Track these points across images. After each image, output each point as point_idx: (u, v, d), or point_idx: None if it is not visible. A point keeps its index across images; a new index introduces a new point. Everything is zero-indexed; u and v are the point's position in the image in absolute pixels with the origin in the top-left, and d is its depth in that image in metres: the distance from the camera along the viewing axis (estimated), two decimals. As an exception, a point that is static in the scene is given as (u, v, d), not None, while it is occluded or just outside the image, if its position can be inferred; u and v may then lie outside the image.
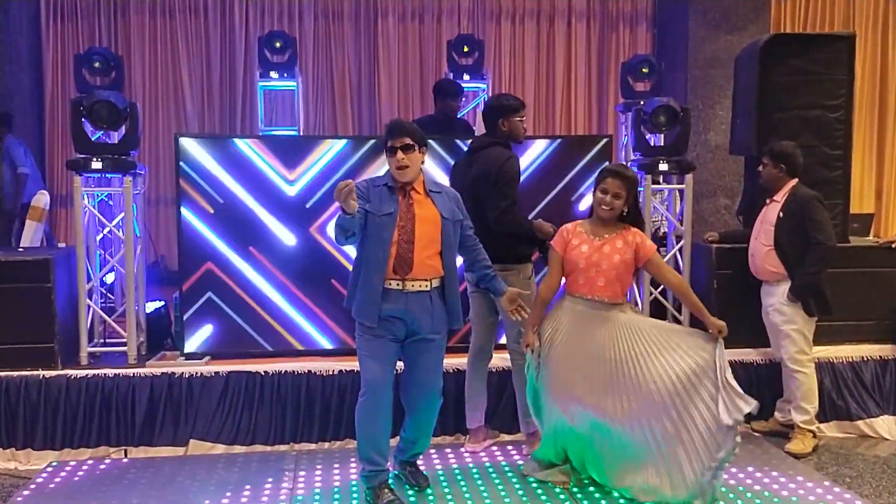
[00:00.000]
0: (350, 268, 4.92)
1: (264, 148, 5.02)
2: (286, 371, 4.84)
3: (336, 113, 8.66)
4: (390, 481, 3.95)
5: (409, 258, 3.76)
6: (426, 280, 3.81)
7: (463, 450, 4.69)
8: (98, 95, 5.10)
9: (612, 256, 3.93)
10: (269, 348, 5.04)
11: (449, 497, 4.02)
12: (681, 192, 5.72)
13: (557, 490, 4.09)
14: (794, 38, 5.37)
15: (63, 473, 4.40)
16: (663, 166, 5.51)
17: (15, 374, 4.69)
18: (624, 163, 4.15)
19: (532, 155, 5.20)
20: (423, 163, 3.89)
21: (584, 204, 5.22)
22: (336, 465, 4.47)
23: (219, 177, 4.96)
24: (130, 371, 4.80)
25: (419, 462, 4.28)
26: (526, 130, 4.59)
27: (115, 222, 5.33)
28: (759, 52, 5.32)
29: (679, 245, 5.58)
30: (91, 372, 4.77)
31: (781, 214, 4.72)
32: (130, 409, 4.74)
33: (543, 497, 4.02)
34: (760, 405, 5.02)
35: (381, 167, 5.03)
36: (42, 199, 5.74)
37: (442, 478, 4.27)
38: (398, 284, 3.77)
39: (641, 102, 6.00)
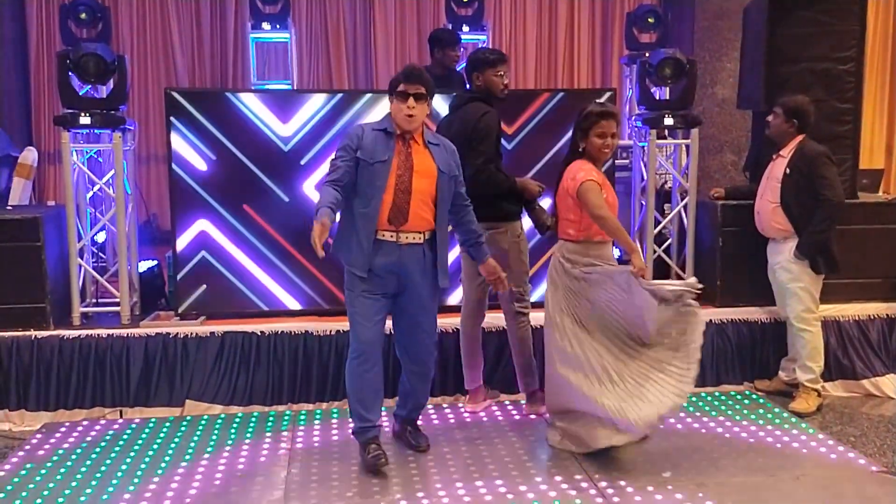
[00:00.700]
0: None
1: (257, 102, 4.88)
2: (283, 331, 4.77)
3: (331, 66, 8.47)
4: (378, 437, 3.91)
5: (405, 208, 3.69)
6: (420, 232, 3.74)
7: (462, 410, 4.64)
8: (85, 48, 4.94)
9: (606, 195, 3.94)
10: (264, 308, 4.97)
11: (449, 457, 3.97)
12: (686, 147, 5.60)
13: (560, 448, 4.05)
14: (805, -13, 5.20)
15: (58, 434, 4.36)
16: (668, 120, 5.38)
17: (6, 334, 4.62)
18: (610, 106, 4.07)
19: (533, 109, 5.05)
20: (428, 115, 3.83)
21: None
22: (335, 424, 4.43)
23: (211, 132, 4.83)
24: (124, 331, 4.72)
25: (419, 422, 4.22)
26: (507, 86, 4.36)
27: (105, 179, 5.21)
28: (768, 2, 5.16)
29: (684, 202, 5.48)
30: (84, 332, 4.69)
31: (788, 171, 4.61)
32: (125, 370, 4.68)
33: (544, 457, 3.97)
34: (765, 364, 5.05)
35: (375, 120, 4.88)
36: (30, 155, 5.60)
37: (441, 438, 4.22)
38: (392, 236, 3.70)
39: (647, 54, 5.85)
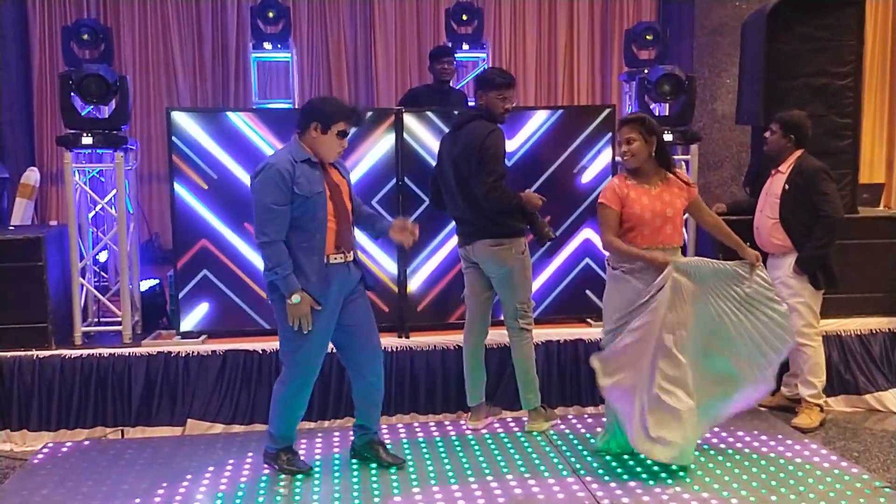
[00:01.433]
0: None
1: (258, 121, 4.90)
2: (284, 349, 4.76)
3: (332, 84, 8.52)
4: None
5: (350, 230, 3.82)
6: (354, 248, 3.87)
7: (464, 427, 4.63)
8: (87, 69, 4.98)
9: (674, 202, 3.94)
10: (266, 326, 4.96)
11: (450, 471, 3.96)
12: (686, 162, 5.61)
13: (556, 461, 4.06)
14: (802, 3, 5.21)
15: (59, 454, 4.35)
16: (668, 137, 5.36)
17: (8, 354, 4.63)
18: (640, 113, 4.07)
19: (533, 126, 5.07)
20: None
21: (587, 176, 5.12)
22: (336, 442, 4.42)
23: (212, 152, 4.84)
24: (126, 350, 4.73)
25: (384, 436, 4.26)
26: (507, 111, 4.33)
27: (107, 199, 5.23)
28: (766, 18, 5.18)
29: (685, 217, 5.47)
30: (86, 352, 4.70)
31: (787, 187, 4.62)
32: (127, 389, 4.68)
33: (542, 468, 3.96)
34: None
35: (377, 139, 4.92)
36: (32, 176, 5.62)
37: (441, 450, 4.22)
38: (342, 258, 3.77)
39: (646, 71, 5.88)
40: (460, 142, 4.31)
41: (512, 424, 4.67)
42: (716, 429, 4.55)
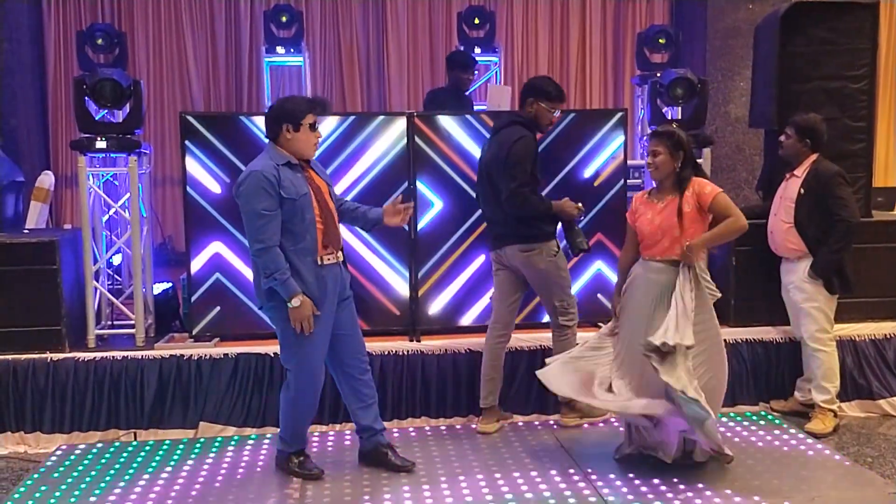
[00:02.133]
0: (360, 247, 4.91)
1: (271, 125, 4.91)
2: (296, 352, 4.77)
3: (344, 88, 8.55)
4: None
5: (336, 229, 3.85)
6: (342, 248, 3.93)
7: (474, 430, 4.62)
8: (101, 73, 5.01)
9: (673, 217, 3.88)
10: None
11: (460, 474, 3.96)
12: (698, 166, 5.57)
13: (566, 463, 4.07)
14: (816, 6, 5.19)
15: (72, 457, 4.38)
16: (680, 140, 5.36)
17: (23, 357, 4.65)
18: (670, 127, 4.05)
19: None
20: None
21: (600, 180, 5.10)
22: (347, 445, 4.42)
23: (225, 155, 4.86)
24: (139, 353, 4.74)
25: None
26: (551, 123, 4.47)
27: (120, 203, 5.26)
28: (780, 21, 5.16)
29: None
30: (99, 354, 4.72)
31: (802, 191, 4.59)
32: (139, 392, 4.69)
33: (552, 470, 3.96)
34: (780, 384, 5.01)
35: (389, 142, 4.92)
36: (46, 179, 5.66)
37: (452, 453, 4.22)
38: (333, 258, 3.82)
39: (658, 74, 5.87)
40: (493, 146, 4.39)
41: (521, 427, 4.67)
42: (728, 434, 4.53)
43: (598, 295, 5.15)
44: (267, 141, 3.84)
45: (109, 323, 5.25)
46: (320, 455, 4.29)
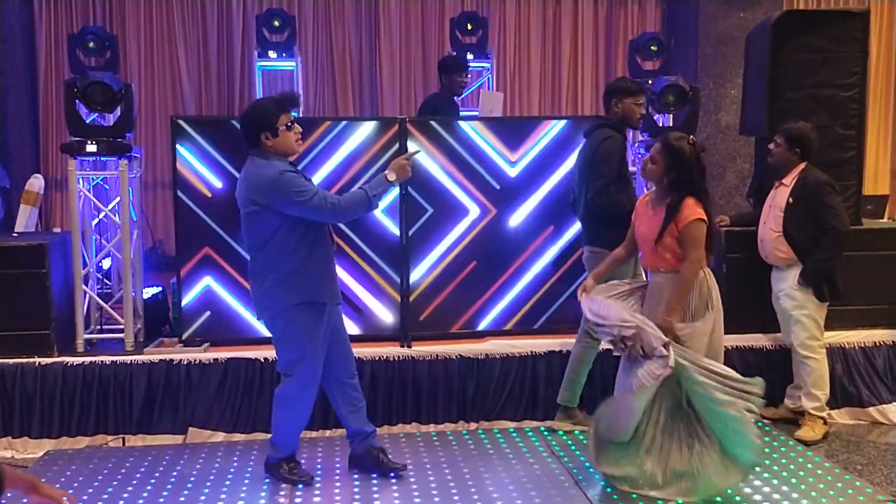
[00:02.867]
0: (351, 252, 4.89)
1: (262, 129, 4.89)
2: (286, 358, 4.75)
3: (336, 93, 8.53)
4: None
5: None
6: None
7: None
8: (92, 76, 4.99)
9: (655, 231, 3.83)
10: (268, 335, 4.92)
11: (451, 480, 3.94)
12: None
13: (557, 471, 4.03)
14: (807, 14, 5.25)
15: (60, 462, 4.34)
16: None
17: (10, 361, 4.62)
18: (679, 136, 3.96)
19: (537, 137, 5.07)
20: None
21: (591, 186, 5.11)
22: (337, 451, 4.40)
23: (216, 159, 4.85)
24: (128, 358, 4.72)
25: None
26: (643, 116, 4.59)
27: (110, 207, 5.24)
28: (771, 29, 5.18)
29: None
30: (88, 359, 4.69)
31: (791, 200, 4.61)
32: (128, 397, 4.67)
33: (543, 479, 3.95)
34: (770, 391, 5.00)
35: (382, 149, 4.92)
36: (36, 182, 5.63)
37: (443, 459, 4.20)
38: (334, 250, 3.91)
39: (650, 81, 5.87)
40: (583, 149, 4.52)
41: (512, 433, 4.66)
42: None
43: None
44: (254, 151, 3.76)
45: (98, 327, 5.21)
46: (310, 461, 4.27)
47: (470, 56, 7.42)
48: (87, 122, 5.12)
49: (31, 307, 4.65)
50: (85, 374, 4.64)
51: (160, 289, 5.60)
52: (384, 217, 4.93)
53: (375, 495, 3.86)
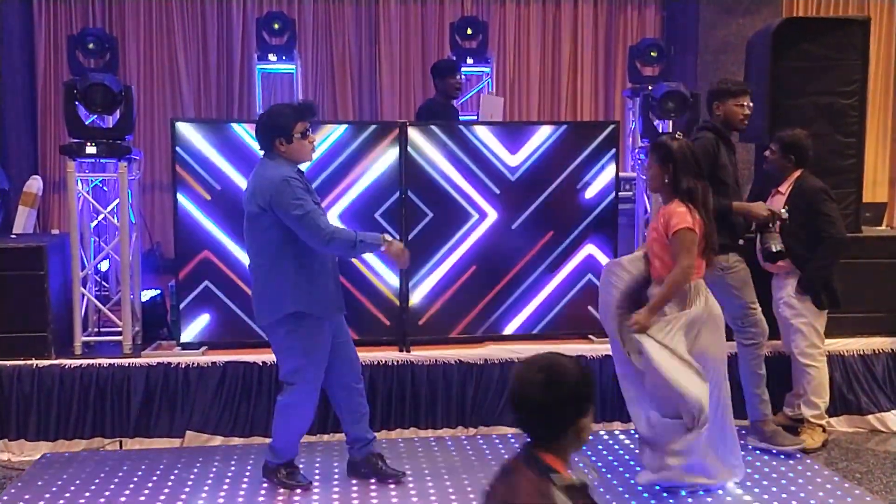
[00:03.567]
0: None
1: (262, 133, 4.89)
2: (285, 362, 4.74)
3: (336, 97, 8.53)
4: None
5: None
6: None
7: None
8: (92, 78, 4.96)
9: (652, 233, 3.90)
10: (266, 338, 4.93)
11: (449, 487, 3.93)
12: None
13: None
14: (807, 22, 5.25)
15: (57, 465, 4.33)
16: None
17: (8, 363, 4.60)
18: (663, 139, 3.98)
19: (537, 142, 5.07)
20: None
21: (591, 192, 5.11)
22: (336, 456, 4.39)
23: (216, 163, 4.84)
24: (126, 361, 4.70)
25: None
26: (747, 117, 4.44)
27: (109, 209, 5.22)
28: (771, 36, 5.18)
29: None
30: (85, 362, 4.67)
31: (786, 208, 4.60)
32: (126, 400, 4.65)
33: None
34: (770, 399, 5.01)
35: (381, 153, 4.91)
36: (35, 184, 5.62)
37: (441, 465, 4.18)
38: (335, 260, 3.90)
39: (650, 87, 5.88)
40: None
41: (511, 438, 4.65)
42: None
43: (589, 307, 5.14)
44: (267, 153, 3.77)
45: (96, 330, 5.19)
46: (308, 466, 4.25)
47: (470, 60, 7.44)
48: (87, 123, 5.11)
49: (28, 309, 4.64)
50: (82, 377, 4.63)
51: (158, 291, 5.58)
52: (383, 221, 4.92)
53: (374, 501, 3.84)
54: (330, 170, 4.90)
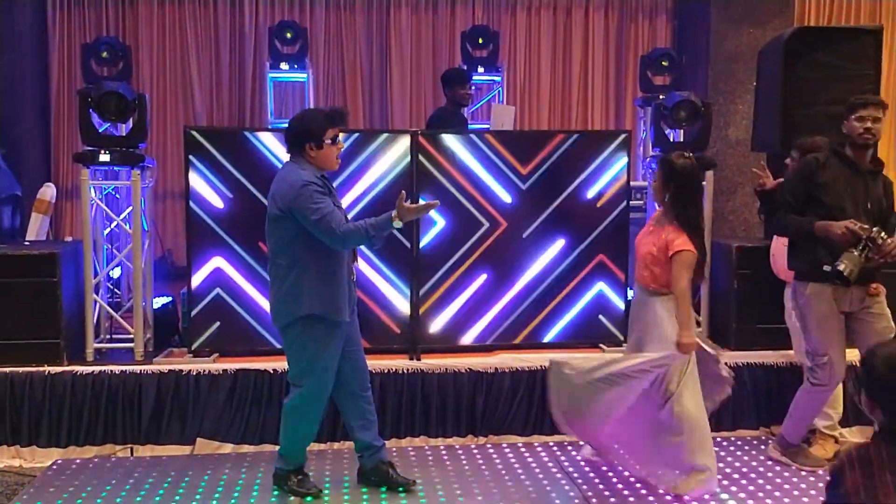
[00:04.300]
0: (361, 264, 4.89)
1: (274, 141, 4.90)
2: (295, 369, 4.74)
3: (347, 105, 8.54)
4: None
5: None
6: None
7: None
8: (106, 86, 5.02)
9: (648, 245, 3.95)
10: (277, 346, 4.93)
11: (460, 496, 3.92)
12: (700, 188, 5.57)
13: (567, 487, 4.00)
14: (819, 31, 5.24)
15: (68, 471, 4.34)
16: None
17: (20, 369, 4.62)
18: (677, 153, 3.97)
19: (548, 150, 5.07)
20: None
21: (602, 201, 5.10)
22: (345, 463, 4.38)
23: (228, 170, 4.86)
24: (137, 368, 4.72)
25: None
26: (868, 130, 4.06)
27: (122, 216, 5.25)
28: (783, 46, 5.18)
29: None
30: (97, 368, 4.69)
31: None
32: (137, 407, 4.66)
33: (557, 500, 3.92)
34: (782, 409, 4.97)
35: (392, 161, 4.92)
36: (48, 191, 5.66)
37: (451, 473, 4.17)
38: (353, 274, 3.92)
39: (661, 97, 5.87)
40: None
41: (521, 448, 4.64)
42: (728, 458, 4.51)
43: (600, 316, 5.14)
44: (293, 157, 3.80)
45: (108, 337, 5.22)
46: (318, 473, 4.25)
47: (481, 69, 7.46)
48: (100, 131, 5.14)
49: (41, 316, 4.66)
50: (94, 384, 4.64)
51: (170, 299, 5.61)
52: (394, 230, 4.91)
53: (384, 509, 3.84)
54: (342, 177, 4.91)
